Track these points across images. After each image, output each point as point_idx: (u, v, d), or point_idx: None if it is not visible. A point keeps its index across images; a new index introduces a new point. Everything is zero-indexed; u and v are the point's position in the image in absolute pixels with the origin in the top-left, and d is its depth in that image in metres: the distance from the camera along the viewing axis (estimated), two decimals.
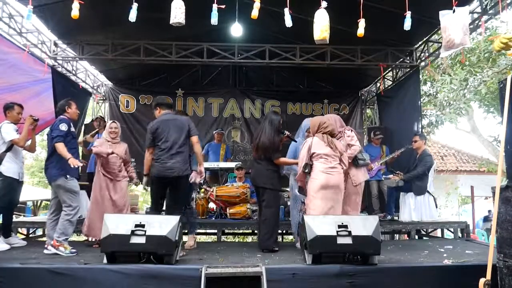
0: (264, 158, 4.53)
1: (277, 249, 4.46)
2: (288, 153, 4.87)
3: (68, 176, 4.13)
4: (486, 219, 12.16)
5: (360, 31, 4.54)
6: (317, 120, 4.39)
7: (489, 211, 12.58)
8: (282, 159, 4.57)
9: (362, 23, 4.51)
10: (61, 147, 4.04)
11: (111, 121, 5.21)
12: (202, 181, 7.19)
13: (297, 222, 4.80)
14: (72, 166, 4.00)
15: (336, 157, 4.17)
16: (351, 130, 4.56)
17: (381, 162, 6.81)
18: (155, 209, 4.32)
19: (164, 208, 4.54)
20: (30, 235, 6.39)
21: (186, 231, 4.91)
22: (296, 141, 4.75)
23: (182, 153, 4.20)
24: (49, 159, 4.21)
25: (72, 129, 4.28)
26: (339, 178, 4.13)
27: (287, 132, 4.72)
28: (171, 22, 4.39)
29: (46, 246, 4.17)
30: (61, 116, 4.29)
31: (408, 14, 4.48)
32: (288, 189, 7.43)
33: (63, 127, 4.12)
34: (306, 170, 4.16)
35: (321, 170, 4.09)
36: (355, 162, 4.46)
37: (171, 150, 4.15)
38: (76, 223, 4.24)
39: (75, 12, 4.37)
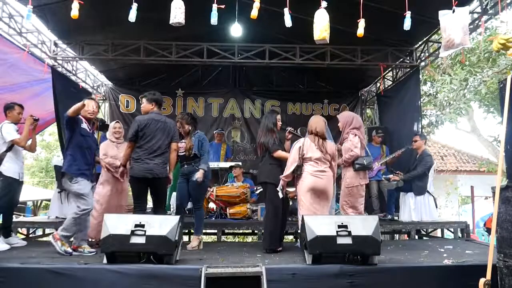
0: (265, 154, 4.57)
1: (279, 249, 4.43)
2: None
3: (72, 178, 4.00)
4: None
5: (360, 31, 4.54)
6: (310, 122, 4.41)
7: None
8: (280, 152, 4.53)
9: (362, 23, 4.51)
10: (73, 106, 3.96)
11: (114, 121, 5.22)
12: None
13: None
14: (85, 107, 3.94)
15: (326, 161, 4.21)
16: (355, 135, 4.53)
17: (381, 163, 6.81)
18: (137, 207, 4.22)
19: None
20: (30, 235, 6.39)
21: (185, 230, 4.90)
22: (299, 136, 4.76)
23: (163, 155, 4.16)
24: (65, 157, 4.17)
25: (83, 126, 4.14)
26: (327, 182, 4.19)
27: (289, 128, 4.74)
28: (170, 22, 4.39)
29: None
30: None
31: (408, 14, 4.48)
32: (289, 189, 7.46)
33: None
34: (298, 172, 4.21)
35: (310, 173, 4.16)
36: (353, 166, 4.49)
37: (154, 151, 4.10)
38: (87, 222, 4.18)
39: (75, 12, 4.36)
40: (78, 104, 3.95)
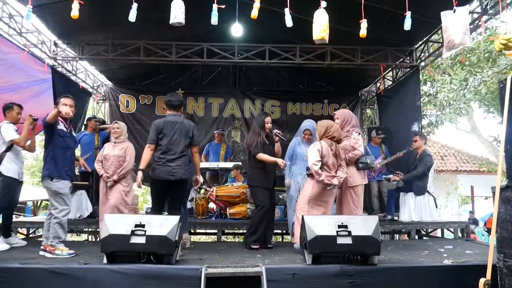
0: (249, 157, 4.71)
1: (255, 247, 4.51)
2: (287, 153, 4.97)
3: (53, 178, 3.97)
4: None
5: (363, 32, 4.53)
6: (324, 124, 4.34)
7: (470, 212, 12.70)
8: (260, 155, 4.57)
9: (364, 23, 4.50)
10: (51, 114, 3.89)
11: (114, 121, 5.32)
12: (202, 182, 7.22)
13: (292, 222, 4.83)
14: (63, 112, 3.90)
15: (337, 166, 4.24)
16: (359, 133, 4.55)
17: (382, 164, 6.79)
18: (156, 210, 4.29)
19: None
20: (30, 235, 6.39)
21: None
22: (284, 140, 4.85)
23: (183, 157, 4.20)
24: (44, 157, 4.14)
25: (61, 127, 4.08)
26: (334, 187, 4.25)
27: (275, 131, 4.78)
28: (170, 22, 4.38)
29: (42, 247, 4.08)
30: None
31: (408, 14, 4.47)
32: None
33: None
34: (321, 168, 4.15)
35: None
36: (356, 164, 4.48)
37: (174, 153, 4.13)
38: (67, 225, 4.16)
39: (75, 12, 4.36)
40: (54, 111, 3.92)
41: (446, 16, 4.32)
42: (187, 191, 4.94)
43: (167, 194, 4.34)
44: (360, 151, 4.43)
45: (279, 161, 4.55)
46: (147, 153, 4.21)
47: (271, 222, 4.81)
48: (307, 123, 5.02)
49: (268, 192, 4.66)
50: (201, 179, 4.40)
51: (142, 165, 4.23)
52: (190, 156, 4.50)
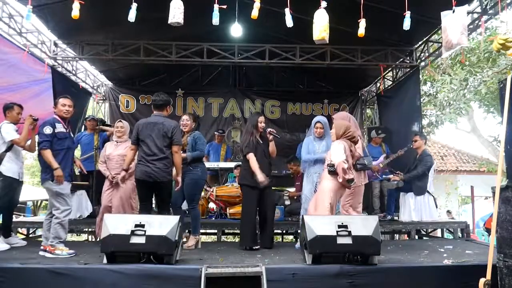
0: (242, 157, 4.72)
1: (254, 247, 4.51)
2: (302, 150, 4.88)
3: (54, 179, 3.97)
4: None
5: (361, 31, 4.54)
6: (342, 124, 4.26)
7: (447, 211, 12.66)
8: (250, 155, 4.54)
9: (362, 23, 4.51)
10: (47, 154, 3.93)
11: (118, 120, 5.30)
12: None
13: None
14: (55, 180, 3.93)
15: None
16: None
17: (385, 163, 6.78)
18: (142, 209, 4.26)
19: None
20: (30, 235, 6.39)
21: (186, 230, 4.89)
22: (278, 137, 4.89)
23: (163, 159, 4.07)
24: (39, 160, 4.15)
25: (59, 129, 4.05)
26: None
27: (268, 129, 4.77)
28: (169, 22, 4.39)
29: (42, 247, 4.08)
30: (49, 118, 4.17)
31: (408, 14, 4.48)
32: (288, 189, 7.43)
33: (47, 130, 3.97)
34: (332, 169, 4.05)
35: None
36: (354, 166, 4.48)
37: (152, 155, 4.04)
38: (68, 225, 4.17)
39: (75, 12, 4.37)
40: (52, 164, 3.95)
41: (446, 17, 4.33)
42: (196, 194, 4.87)
43: (154, 196, 4.32)
44: (357, 154, 4.43)
45: (259, 176, 4.41)
46: (128, 153, 4.33)
47: (267, 222, 4.71)
48: (319, 117, 4.92)
49: (256, 191, 4.57)
50: (180, 181, 4.30)
51: (125, 165, 4.34)
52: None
